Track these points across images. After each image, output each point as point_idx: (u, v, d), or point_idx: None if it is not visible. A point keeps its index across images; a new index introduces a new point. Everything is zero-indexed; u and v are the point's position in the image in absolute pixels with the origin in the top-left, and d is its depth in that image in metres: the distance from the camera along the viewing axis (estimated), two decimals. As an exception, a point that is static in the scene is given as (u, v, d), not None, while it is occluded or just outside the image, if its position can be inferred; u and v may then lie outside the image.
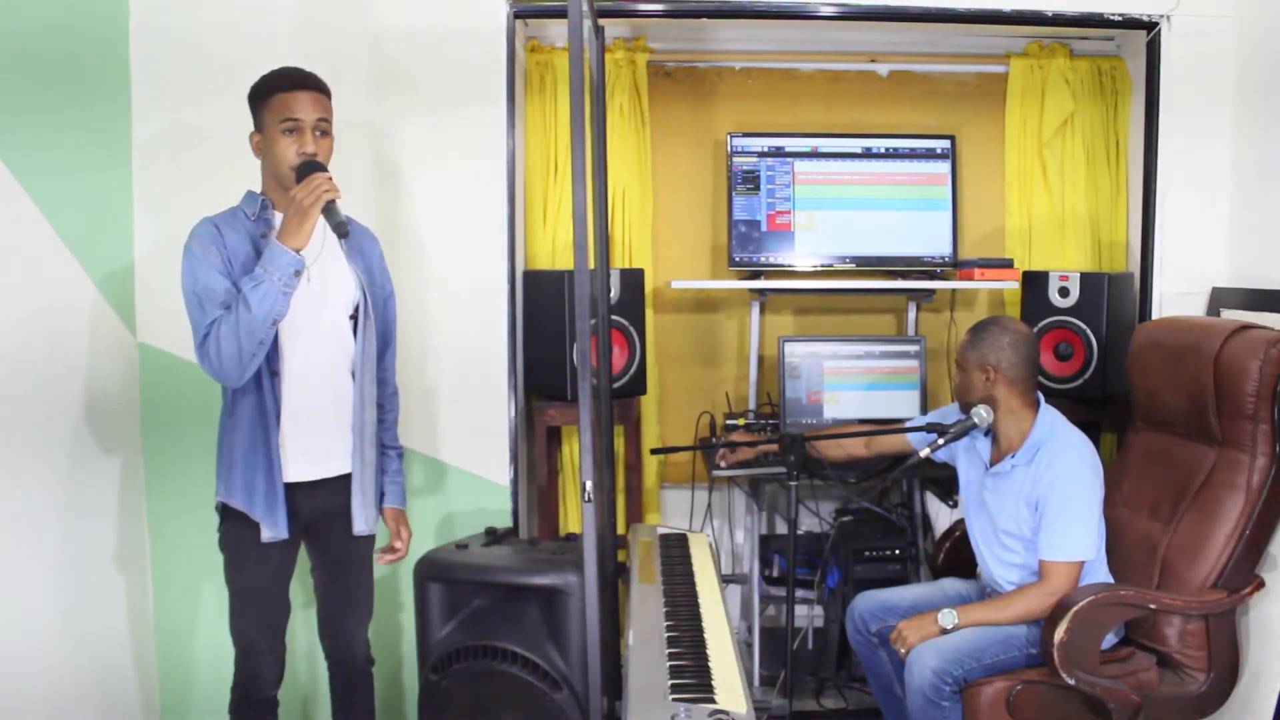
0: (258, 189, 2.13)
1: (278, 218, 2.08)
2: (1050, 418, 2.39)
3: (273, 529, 2.07)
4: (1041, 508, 2.30)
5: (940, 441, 2.46)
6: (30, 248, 2.24)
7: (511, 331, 2.84)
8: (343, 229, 2.00)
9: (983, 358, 2.39)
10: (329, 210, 1.98)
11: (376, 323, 2.23)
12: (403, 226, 2.76)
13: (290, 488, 2.10)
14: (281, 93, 2.03)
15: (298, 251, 1.96)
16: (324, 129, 2.06)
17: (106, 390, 2.53)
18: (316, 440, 2.14)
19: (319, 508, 2.17)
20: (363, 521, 2.20)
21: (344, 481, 2.19)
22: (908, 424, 2.67)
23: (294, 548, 2.18)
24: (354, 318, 2.18)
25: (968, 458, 2.54)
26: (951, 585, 2.59)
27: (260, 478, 2.06)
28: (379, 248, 2.30)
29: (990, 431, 2.46)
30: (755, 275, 3.21)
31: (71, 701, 2.36)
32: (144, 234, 2.67)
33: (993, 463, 2.45)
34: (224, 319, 1.95)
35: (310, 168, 1.99)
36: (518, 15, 2.81)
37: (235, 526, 2.11)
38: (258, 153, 2.09)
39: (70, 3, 2.41)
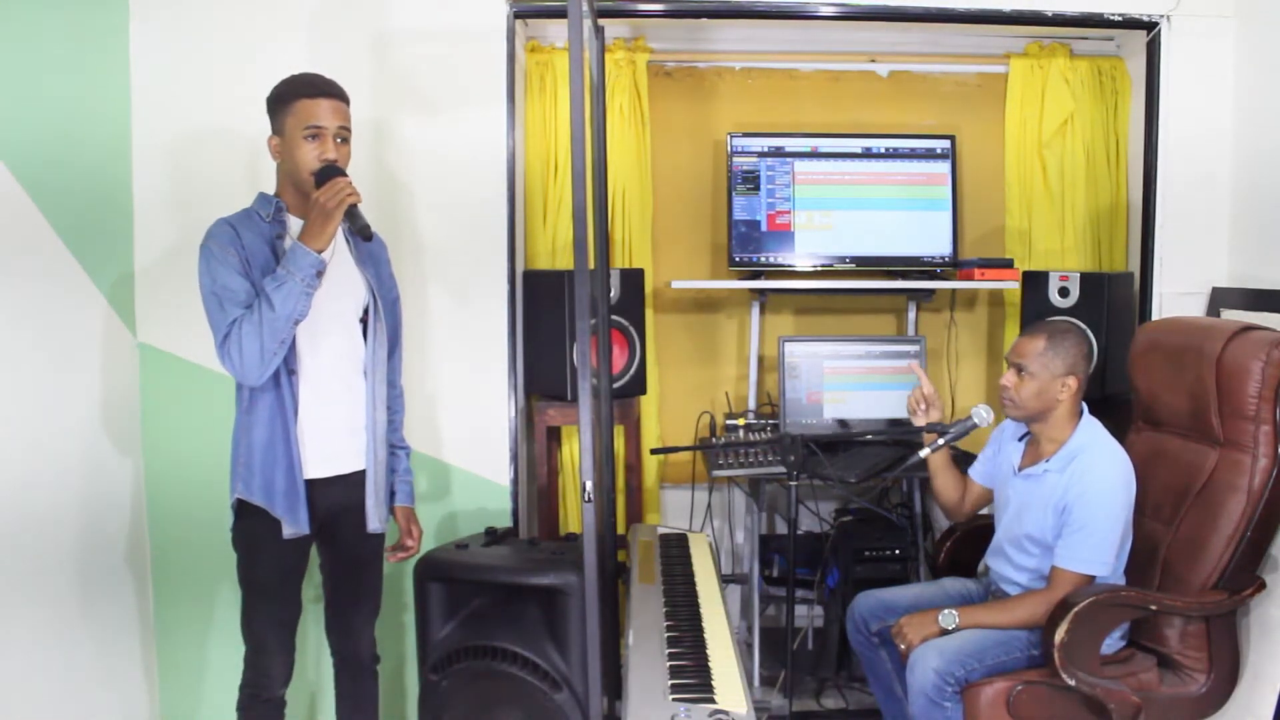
0: (260, 189, 2.13)
1: (292, 220, 2.09)
2: (1092, 427, 2.35)
3: (294, 525, 2.09)
4: (1066, 515, 2.27)
5: (941, 442, 2.45)
6: (31, 247, 2.23)
7: (511, 331, 2.84)
8: (366, 232, 2.03)
9: (1069, 366, 2.31)
10: (351, 214, 2.00)
11: (385, 325, 2.24)
12: (403, 226, 2.76)
13: (306, 485, 2.11)
14: (305, 99, 2.04)
15: (319, 253, 1.98)
16: (344, 136, 2.08)
17: (106, 390, 2.53)
18: (331, 438, 2.15)
19: (333, 505, 2.18)
20: (376, 519, 2.22)
21: (357, 478, 2.20)
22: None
23: (308, 545, 2.19)
24: (364, 320, 2.20)
25: (999, 459, 2.52)
26: (952, 585, 2.58)
27: (280, 475, 2.08)
28: (387, 252, 2.33)
29: (1026, 435, 2.44)
30: (755, 275, 3.20)
31: (76, 702, 2.35)
32: (145, 235, 2.67)
33: (1022, 466, 2.42)
34: (245, 318, 1.96)
35: (331, 172, 2.01)
36: (518, 15, 2.81)
37: (251, 523, 2.11)
38: (275, 156, 2.10)
39: (71, 3, 2.41)
